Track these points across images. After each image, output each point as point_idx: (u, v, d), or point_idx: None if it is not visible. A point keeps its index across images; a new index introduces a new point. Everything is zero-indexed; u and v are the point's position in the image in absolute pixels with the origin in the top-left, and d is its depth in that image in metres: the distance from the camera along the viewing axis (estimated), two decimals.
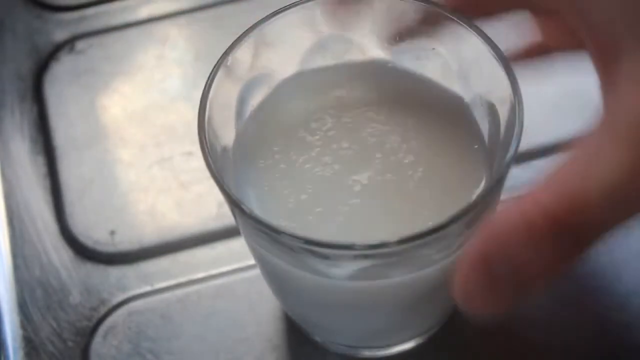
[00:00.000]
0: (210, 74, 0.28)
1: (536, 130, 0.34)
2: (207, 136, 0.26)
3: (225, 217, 0.38)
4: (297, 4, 0.29)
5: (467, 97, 0.30)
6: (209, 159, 0.26)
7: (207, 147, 0.26)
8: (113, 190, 0.40)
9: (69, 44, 0.45)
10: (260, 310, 0.35)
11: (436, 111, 0.29)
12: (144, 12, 0.46)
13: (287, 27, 0.29)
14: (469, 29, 0.27)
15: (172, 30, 0.45)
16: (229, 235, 0.37)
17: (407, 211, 0.27)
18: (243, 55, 0.29)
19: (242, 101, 0.30)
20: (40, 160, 0.41)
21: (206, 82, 0.27)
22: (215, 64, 0.28)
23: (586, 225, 0.23)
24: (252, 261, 0.36)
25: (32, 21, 0.46)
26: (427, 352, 0.33)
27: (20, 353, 0.35)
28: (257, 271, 0.36)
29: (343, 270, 0.26)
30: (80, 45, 0.45)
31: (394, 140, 0.29)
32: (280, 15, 0.29)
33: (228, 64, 0.28)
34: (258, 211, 0.27)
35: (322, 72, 0.31)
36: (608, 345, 0.33)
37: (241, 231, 0.28)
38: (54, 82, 0.44)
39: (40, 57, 0.45)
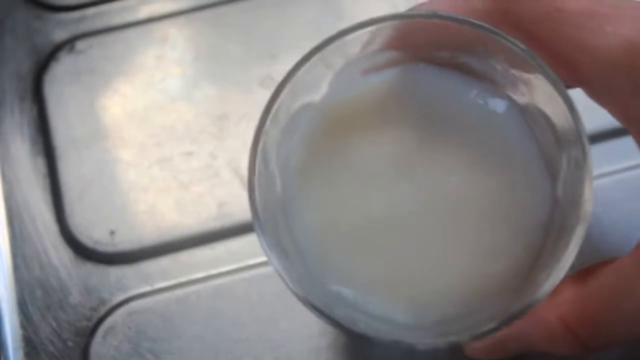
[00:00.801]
0: (275, 91, 0.26)
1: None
2: (256, 187, 0.25)
3: (225, 217, 0.38)
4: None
5: (519, 101, 0.27)
6: (259, 213, 0.25)
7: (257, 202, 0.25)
8: (113, 190, 0.40)
9: (69, 44, 0.45)
10: (260, 310, 0.35)
11: (487, 120, 0.27)
12: (144, 12, 0.46)
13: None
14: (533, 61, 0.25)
15: (172, 30, 0.45)
16: (229, 235, 0.37)
17: (465, 260, 0.26)
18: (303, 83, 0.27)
19: (286, 133, 0.28)
20: (40, 160, 0.41)
21: (262, 117, 0.26)
22: (272, 96, 0.26)
23: (601, 342, 0.26)
24: (252, 261, 0.36)
25: (32, 21, 0.46)
26: None
27: (20, 353, 0.35)
28: (257, 271, 0.36)
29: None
30: (80, 45, 0.45)
31: (449, 173, 0.26)
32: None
33: (287, 92, 0.26)
34: (317, 272, 0.26)
35: (357, 86, 0.28)
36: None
37: None
38: (54, 82, 0.44)
39: (40, 57, 0.45)
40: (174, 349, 0.35)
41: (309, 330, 0.34)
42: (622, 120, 0.26)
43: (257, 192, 0.25)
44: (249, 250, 0.37)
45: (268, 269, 0.36)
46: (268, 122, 0.26)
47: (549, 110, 0.25)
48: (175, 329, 0.35)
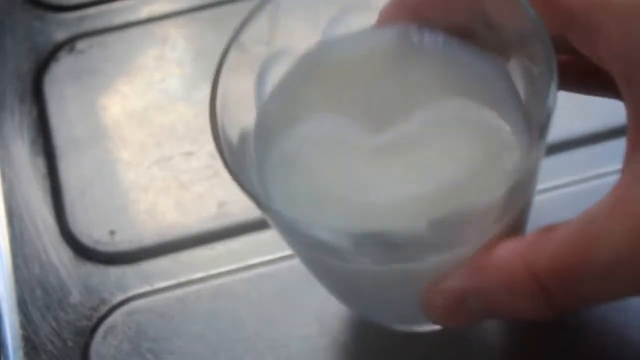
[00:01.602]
0: (222, 55, 0.26)
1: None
2: (220, 126, 0.25)
3: (225, 217, 0.38)
4: None
5: (506, 58, 0.27)
6: (225, 152, 0.24)
7: (222, 141, 0.25)
8: (113, 190, 0.40)
9: (69, 44, 0.45)
10: (260, 310, 0.35)
11: (472, 77, 0.27)
12: (144, 12, 0.46)
13: None
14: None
15: (172, 30, 0.45)
16: (229, 235, 0.37)
17: (442, 183, 0.25)
18: (258, 30, 0.27)
19: (261, 80, 0.28)
20: (40, 160, 0.41)
21: (217, 67, 0.26)
22: (227, 44, 0.26)
23: (570, 297, 0.24)
24: (252, 261, 0.36)
25: (32, 21, 0.46)
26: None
27: (20, 352, 0.35)
28: (257, 271, 0.36)
29: (367, 257, 0.25)
30: (80, 45, 0.45)
31: (427, 110, 0.27)
32: None
33: (241, 41, 0.26)
34: (284, 195, 0.26)
35: (346, 41, 0.29)
36: (607, 345, 0.33)
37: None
38: (54, 82, 0.44)
39: (40, 57, 0.45)
40: (174, 349, 0.35)
41: (309, 330, 0.34)
42: (604, 62, 0.25)
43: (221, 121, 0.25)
44: (249, 250, 0.37)
45: (268, 269, 0.36)
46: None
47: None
48: (175, 328, 0.35)
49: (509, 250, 0.24)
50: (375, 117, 0.27)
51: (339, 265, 0.26)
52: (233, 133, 0.26)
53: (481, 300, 0.25)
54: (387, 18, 0.29)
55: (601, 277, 0.23)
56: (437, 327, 0.31)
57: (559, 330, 0.33)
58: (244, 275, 0.36)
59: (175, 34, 0.45)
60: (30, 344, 0.35)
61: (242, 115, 0.27)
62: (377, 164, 0.26)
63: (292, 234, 0.26)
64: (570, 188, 0.37)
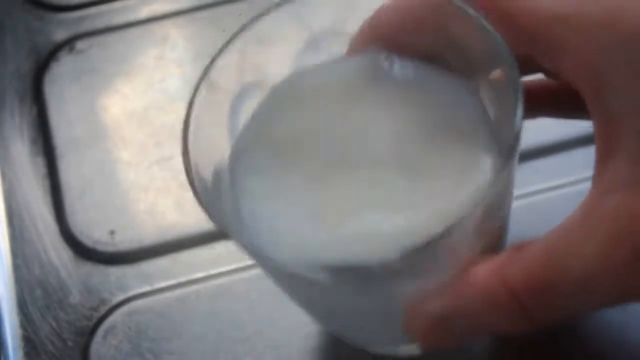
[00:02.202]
0: (192, 97, 0.27)
1: (536, 130, 0.33)
2: (193, 162, 0.25)
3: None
4: (282, 4, 0.28)
5: (473, 81, 0.28)
6: (197, 190, 0.25)
7: (194, 174, 0.25)
8: (113, 190, 0.40)
9: (69, 44, 0.45)
10: (260, 310, 0.35)
11: (442, 100, 0.28)
12: (144, 12, 0.46)
13: (274, 29, 0.28)
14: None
15: (172, 30, 0.45)
16: (229, 236, 0.37)
17: (416, 214, 0.25)
18: (228, 65, 0.27)
19: (234, 114, 0.28)
20: (40, 160, 0.41)
21: (189, 103, 0.26)
22: (198, 82, 0.27)
23: (547, 311, 0.24)
24: (252, 261, 0.36)
25: (32, 21, 0.46)
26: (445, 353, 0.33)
27: (20, 353, 0.35)
28: (257, 271, 0.36)
29: (345, 287, 0.25)
30: (80, 45, 0.45)
31: (399, 139, 0.27)
32: (265, 17, 0.28)
33: (211, 78, 0.27)
34: (259, 227, 0.26)
35: (316, 72, 0.29)
36: (607, 345, 0.33)
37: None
38: (54, 82, 0.44)
39: (40, 57, 0.45)
40: (174, 349, 0.35)
41: (309, 330, 0.34)
42: (569, 76, 0.24)
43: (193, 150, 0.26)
44: None
45: None
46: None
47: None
48: (175, 328, 0.35)
49: (485, 269, 0.24)
50: (347, 147, 0.27)
51: (315, 293, 0.26)
52: (207, 169, 0.26)
53: (461, 320, 0.25)
54: (357, 46, 0.29)
55: (576, 290, 0.23)
56: (417, 352, 0.32)
57: (558, 330, 0.33)
58: (244, 275, 0.36)
59: (175, 34, 0.45)
60: (30, 344, 0.35)
61: (216, 150, 0.27)
62: (349, 194, 0.26)
63: (267, 266, 0.26)
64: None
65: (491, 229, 0.25)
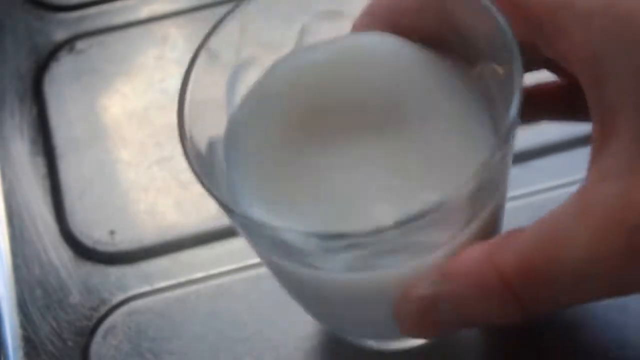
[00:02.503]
0: (190, 61, 0.26)
1: (536, 130, 0.34)
2: (187, 132, 0.25)
3: (225, 217, 0.38)
4: None
5: (476, 65, 0.28)
6: (189, 155, 0.24)
7: (188, 143, 0.25)
8: (113, 190, 0.40)
9: (69, 44, 0.45)
10: (260, 310, 0.35)
11: (441, 82, 0.27)
12: (144, 12, 0.46)
13: (276, 5, 0.28)
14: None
15: (172, 30, 0.45)
16: (229, 235, 0.37)
17: (411, 187, 0.25)
18: (228, 37, 0.27)
19: (231, 88, 0.28)
20: (40, 160, 0.41)
21: (185, 71, 0.26)
22: (196, 49, 0.26)
23: (538, 298, 0.24)
24: (252, 261, 0.36)
25: (32, 21, 0.46)
26: (440, 345, 0.33)
27: (20, 352, 0.35)
28: (257, 271, 0.36)
29: (337, 263, 0.24)
30: (80, 45, 0.45)
31: (396, 117, 0.26)
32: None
33: (211, 48, 0.26)
34: (252, 201, 0.26)
35: (317, 50, 0.28)
36: (607, 345, 0.33)
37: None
38: (54, 82, 0.44)
39: (40, 57, 0.45)
40: (174, 349, 0.35)
41: (309, 330, 0.34)
42: (569, 63, 0.24)
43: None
44: (248, 250, 0.37)
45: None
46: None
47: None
48: (175, 328, 0.35)
49: (477, 252, 0.24)
50: (345, 123, 0.27)
51: (308, 274, 0.25)
52: (202, 140, 0.26)
53: (452, 305, 0.25)
54: (359, 29, 0.29)
55: (567, 279, 0.23)
56: (412, 343, 0.31)
57: (558, 331, 0.33)
58: (244, 275, 0.36)
59: (175, 33, 0.45)
60: (30, 344, 0.35)
61: (211, 122, 0.27)
62: (345, 167, 0.26)
63: (261, 240, 0.26)
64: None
65: (484, 211, 0.25)
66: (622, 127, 0.23)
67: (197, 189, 0.39)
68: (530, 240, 0.23)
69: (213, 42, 0.26)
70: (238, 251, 0.37)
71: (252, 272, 0.36)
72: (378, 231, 0.22)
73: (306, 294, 0.29)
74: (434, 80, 0.27)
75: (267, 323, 0.35)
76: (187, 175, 0.39)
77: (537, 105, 0.30)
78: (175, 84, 0.43)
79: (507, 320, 0.24)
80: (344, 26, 0.29)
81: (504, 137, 0.23)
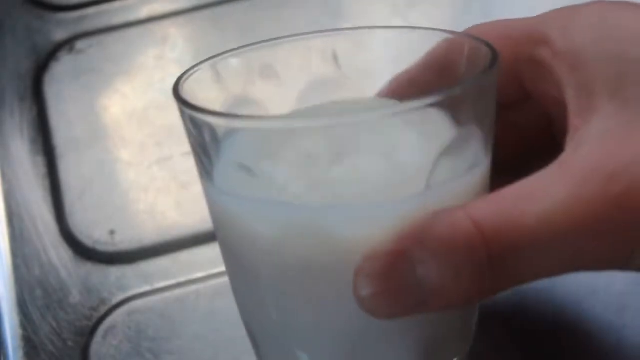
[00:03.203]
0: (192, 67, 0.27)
1: None
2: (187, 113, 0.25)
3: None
4: (296, 36, 0.28)
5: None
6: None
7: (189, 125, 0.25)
8: (113, 190, 0.40)
9: (69, 44, 0.45)
10: None
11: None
12: (144, 12, 0.46)
13: (282, 61, 0.28)
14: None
15: (172, 30, 0.45)
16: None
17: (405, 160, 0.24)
18: (237, 68, 0.27)
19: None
20: (40, 160, 0.41)
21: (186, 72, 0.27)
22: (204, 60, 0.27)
23: (513, 253, 0.23)
24: None
25: (32, 21, 0.46)
26: None
27: (20, 352, 0.35)
28: None
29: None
30: (80, 45, 0.45)
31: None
32: (280, 45, 0.28)
33: (218, 68, 0.27)
34: (246, 177, 0.25)
35: (318, 110, 0.28)
36: (606, 346, 0.33)
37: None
38: (54, 82, 0.44)
39: (40, 57, 0.45)
40: (174, 349, 0.35)
41: None
42: (547, 63, 0.26)
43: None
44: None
45: None
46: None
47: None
48: (175, 328, 0.35)
49: (454, 208, 0.23)
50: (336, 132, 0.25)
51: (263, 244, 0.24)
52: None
53: (418, 262, 0.22)
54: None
55: (544, 232, 0.22)
56: None
57: (558, 331, 0.33)
58: None
59: (175, 33, 0.45)
60: (30, 344, 0.35)
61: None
62: (336, 148, 0.24)
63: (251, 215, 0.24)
64: None
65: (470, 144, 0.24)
66: (597, 106, 0.24)
67: (197, 189, 0.39)
68: (508, 197, 0.23)
69: (221, 64, 0.27)
70: None
71: None
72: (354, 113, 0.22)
73: (254, 287, 0.26)
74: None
75: None
76: (187, 175, 0.40)
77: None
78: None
79: (477, 289, 0.23)
80: (346, 92, 0.29)
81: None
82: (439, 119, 0.24)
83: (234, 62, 0.28)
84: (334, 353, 0.26)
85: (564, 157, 0.24)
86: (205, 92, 0.27)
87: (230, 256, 0.27)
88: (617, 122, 0.23)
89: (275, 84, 0.29)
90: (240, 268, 0.27)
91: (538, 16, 0.27)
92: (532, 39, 0.26)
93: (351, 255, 0.23)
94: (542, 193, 0.23)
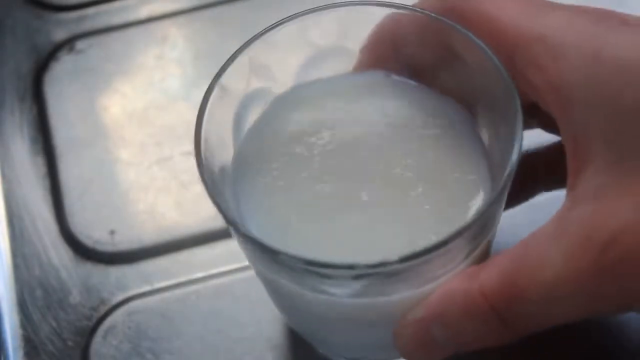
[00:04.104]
0: (205, 94, 0.27)
1: (536, 130, 0.33)
2: (203, 156, 0.26)
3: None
4: (291, 17, 0.29)
5: (470, 109, 0.29)
6: (206, 180, 0.26)
7: (204, 168, 0.26)
8: (113, 190, 0.40)
9: (68, 43, 0.45)
10: (260, 310, 0.35)
11: (438, 124, 0.29)
12: (144, 12, 0.46)
13: (281, 42, 0.29)
14: (474, 42, 0.27)
15: (172, 30, 0.45)
16: (229, 235, 0.37)
17: (409, 227, 0.27)
18: (238, 72, 0.28)
19: (239, 118, 0.29)
20: (40, 160, 0.41)
21: (201, 103, 0.27)
22: (210, 84, 0.28)
23: (520, 316, 0.25)
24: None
25: (32, 21, 0.46)
26: None
27: (20, 352, 0.35)
28: None
29: (344, 289, 0.26)
30: (80, 45, 0.45)
31: (394, 154, 0.28)
32: (275, 29, 0.29)
33: (222, 82, 0.28)
34: (258, 230, 0.27)
35: (319, 85, 0.30)
36: (607, 345, 0.33)
37: (242, 250, 0.28)
38: (54, 82, 0.44)
39: (40, 57, 0.45)
40: (174, 349, 0.35)
41: None
42: (539, 93, 0.26)
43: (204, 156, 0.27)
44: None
45: None
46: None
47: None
48: (175, 328, 0.35)
49: (464, 275, 0.26)
50: (344, 158, 0.28)
51: (313, 298, 0.27)
52: (214, 166, 0.27)
53: (443, 328, 0.26)
54: (364, 56, 0.30)
55: (545, 295, 0.24)
56: None
57: (558, 330, 0.33)
58: (244, 275, 0.36)
59: (175, 33, 0.45)
60: (30, 344, 0.35)
61: (223, 149, 0.28)
62: (348, 200, 0.27)
63: (270, 265, 0.27)
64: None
65: (481, 245, 0.26)
66: (593, 156, 0.24)
67: (197, 189, 0.39)
68: (512, 261, 0.25)
69: (224, 76, 0.28)
70: (238, 251, 0.37)
71: (252, 272, 0.36)
72: (384, 264, 0.24)
73: (305, 314, 0.30)
74: (430, 121, 0.29)
75: (267, 323, 0.35)
76: (187, 175, 0.40)
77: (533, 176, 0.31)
78: (175, 84, 0.43)
79: (496, 340, 0.26)
80: (344, 63, 0.30)
81: (501, 189, 0.25)
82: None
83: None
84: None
85: (561, 216, 0.25)
86: None
87: (277, 296, 0.31)
88: (612, 177, 0.24)
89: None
90: (288, 302, 0.30)
91: (527, 18, 0.26)
92: (523, 55, 0.26)
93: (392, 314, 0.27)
94: (541, 260, 0.24)
